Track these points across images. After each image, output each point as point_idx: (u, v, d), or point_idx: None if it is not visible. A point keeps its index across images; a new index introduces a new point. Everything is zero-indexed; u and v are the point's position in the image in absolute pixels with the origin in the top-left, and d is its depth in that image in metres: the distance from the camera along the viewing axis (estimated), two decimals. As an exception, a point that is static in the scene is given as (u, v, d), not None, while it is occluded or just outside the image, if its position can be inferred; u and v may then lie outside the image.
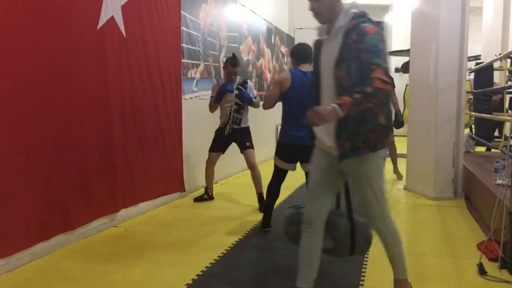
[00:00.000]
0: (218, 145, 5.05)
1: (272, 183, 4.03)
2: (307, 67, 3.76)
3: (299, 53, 3.84)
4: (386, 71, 2.17)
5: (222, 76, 6.30)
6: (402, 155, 6.30)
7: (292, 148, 3.78)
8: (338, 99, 2.15)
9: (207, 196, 5.17)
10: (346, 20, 2.27)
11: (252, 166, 4.88)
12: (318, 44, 2.48)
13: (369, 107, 2.18)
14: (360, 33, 2.21)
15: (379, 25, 2.31)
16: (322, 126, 2.37)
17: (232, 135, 4.96)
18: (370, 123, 2.28)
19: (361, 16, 2.29)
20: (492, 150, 6.99)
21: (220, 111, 4.97)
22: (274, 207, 4.11)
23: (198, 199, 5.15)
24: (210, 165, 5.11)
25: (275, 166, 4.00)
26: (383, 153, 2.41)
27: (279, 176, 4.01)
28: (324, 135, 2.42)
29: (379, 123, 2.31)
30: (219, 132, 5.03)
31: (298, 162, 3.90)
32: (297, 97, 3.68)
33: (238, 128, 4.92)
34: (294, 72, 3.79)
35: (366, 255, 3.36)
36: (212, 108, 4.98)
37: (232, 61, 4.86)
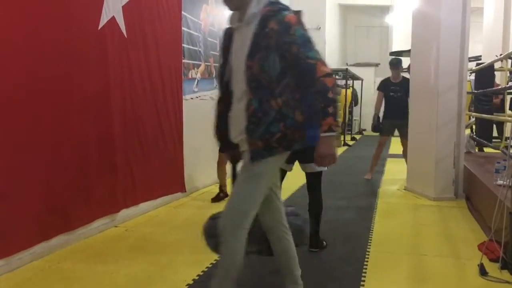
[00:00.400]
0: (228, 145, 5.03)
1: None
2: None
3: None
4: (323, 62, 2.04)
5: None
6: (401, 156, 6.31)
7: None
8: (322, 125, 2.02)
9: (222, 194, 5.16)
10: (260, 7, 2.09)
11: None
12: (229, 32, 2.27)
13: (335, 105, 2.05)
14: (282, 23, 2.03)
15: (298, 13, 2.19)
16: (233, 119, 2.23)
17: None
18: (287, 119, 2.11)
19: (276, 3, 2.12)
20: (489, 150, 6.98)
21: None
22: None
23: (216, 199, 5.11)
24: (221, 164, 5.12)
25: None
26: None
27: None
28: (233, 129, 2.25)
29: (296, 119, 2.12)
30: None
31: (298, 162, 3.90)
32: None
33: None
34: None
35: (366, 255, 3.37)
36: None
37: None
